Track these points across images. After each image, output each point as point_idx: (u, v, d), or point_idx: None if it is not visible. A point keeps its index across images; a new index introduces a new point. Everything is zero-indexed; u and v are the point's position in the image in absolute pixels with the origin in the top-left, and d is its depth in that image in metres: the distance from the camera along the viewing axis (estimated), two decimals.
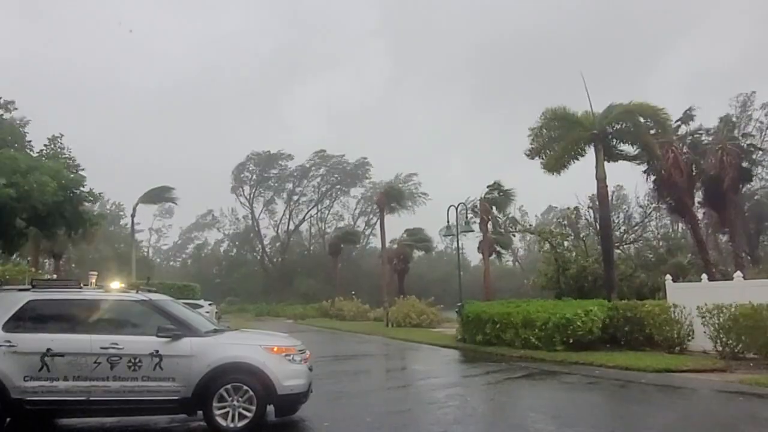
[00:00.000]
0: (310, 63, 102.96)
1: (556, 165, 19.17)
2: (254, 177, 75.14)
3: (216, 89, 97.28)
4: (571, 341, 13.54)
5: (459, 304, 18.48)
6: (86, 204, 13.11)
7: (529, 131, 19.84)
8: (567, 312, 13.83)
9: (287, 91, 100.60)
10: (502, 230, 32.86)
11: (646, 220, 32.51)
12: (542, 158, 19.71)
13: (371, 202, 74.08)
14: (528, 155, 19.97)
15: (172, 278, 47.03)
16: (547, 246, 27.59)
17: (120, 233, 57.59)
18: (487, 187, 30.26)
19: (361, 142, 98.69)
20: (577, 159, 19.36)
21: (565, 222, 31.19)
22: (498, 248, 34.77)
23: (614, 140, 19.32)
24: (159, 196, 38.14)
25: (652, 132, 19.25)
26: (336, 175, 76.10)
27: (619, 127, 18.88)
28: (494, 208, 29.31)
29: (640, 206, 30.49)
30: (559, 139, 19.14)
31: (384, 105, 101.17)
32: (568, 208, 30.09)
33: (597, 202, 23.20)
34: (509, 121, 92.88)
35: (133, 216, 38.29)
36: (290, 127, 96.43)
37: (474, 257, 78.92)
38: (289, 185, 76.49)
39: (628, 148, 19.83)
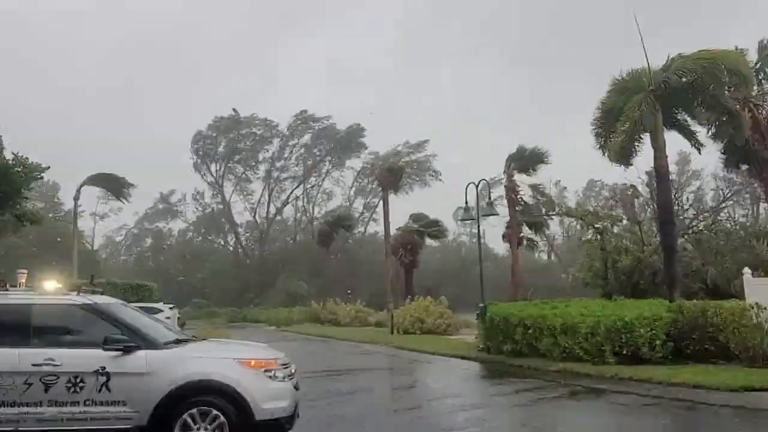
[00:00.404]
0: (307, 11, 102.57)
1: (622, 151, 18.83)
2: (221, 149, 74.73)
3: (188, 48, 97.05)
4: (624, 352, 13.46)
5: (481, 305, 18.46)
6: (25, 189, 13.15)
7: (594, 117, 19.58)
8: (626, 314, 13.72)
9: (277, 48, 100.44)
10: (534, 210, 32.74)
11: (722, 203, 32.17)
12: (606, 143, 19.48)
13: (370, 178, 73.77)
14: (600, 149, 19.77)
15: (124, 276, 47.19)
16: (591, 233, 27.46)
17: (58, 222, 57.65)
18: (510, 157, 29.99)
19: (366, 109, 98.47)
20: (643, 137, 18.98)
21: (617, 201, 30.98)
22: (529, 234, 34.63)
23: (677, 99, 19.01)
24: (110, 184, 38.32)
25: (725, 82, 18.90)
26: (323, 142, 75.50)
27: (684, 80, 18.54)
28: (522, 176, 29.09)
29: (716, 179, 30.06)
30: (621, 115, 18.78)
31: (394, 66, 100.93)
32: (625, 185, 29.82)
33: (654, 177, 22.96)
34: (544, 83, 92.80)
35: (76, 200, 38.31)
36: (281, 94, 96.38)
37: (499, 247, 79.44)
38: (266, 154, 75.71)
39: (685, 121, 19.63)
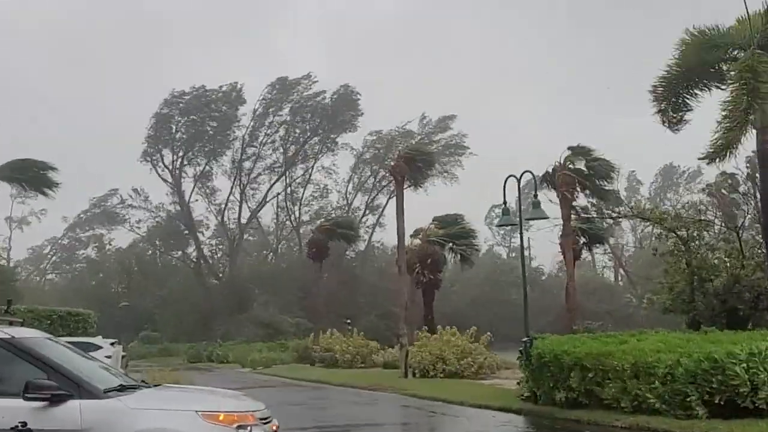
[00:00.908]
0: None
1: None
2: (180, 134, 74.16)
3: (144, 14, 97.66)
4: (717, 401, 13.39)
5: (525, 339, 18.41)
6: None
7: (656, 83, 19.62)
8: (716, 350, 13.65)
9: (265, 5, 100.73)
10: (594, 213, 32.70)
11: None
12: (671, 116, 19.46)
13: (373, 166, 73.58)
14: (664, 123, 19.82)
15: (50, 301, 47.45)
16: (672, 242, 27.32)
17: None
18: (569, 148, 30.15)
19: (377, 79, 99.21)
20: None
21: (713, 196, 30.72)
22: (586, 242, 34.56)
23: None
24: (28, 175, 38.07)
25: None
26: (306, 117, 74.89)
27: None
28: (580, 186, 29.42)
29: None
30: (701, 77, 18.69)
31: (414, 24, 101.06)
32: (723, 175, 29.53)
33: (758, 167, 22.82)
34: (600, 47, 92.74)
35: None
36: (271, 61, 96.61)
37: (547, 261, 79.14)
38: (236, 134, 74.80)
39: None
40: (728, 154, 19.17)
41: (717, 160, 19.52)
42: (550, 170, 29.70)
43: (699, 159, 19.94)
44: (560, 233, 30.91)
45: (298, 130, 75.98)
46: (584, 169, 29.83)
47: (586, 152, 30.19)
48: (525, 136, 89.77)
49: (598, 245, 37.05)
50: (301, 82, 74.18)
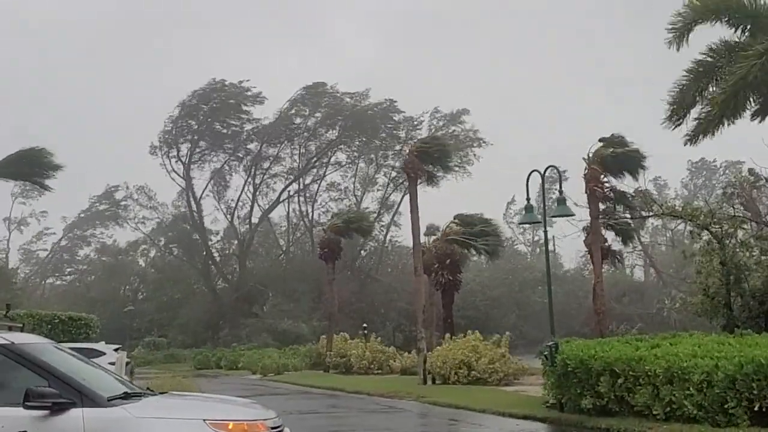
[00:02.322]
0: None
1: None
2: (199, 124, 73.66)
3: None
4: (758, 408, 13.27)
5: (549, 343, 18.34)
6: None
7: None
8: (757, 354, 13.50)
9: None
10: (623, 211, 32.59)
11: None
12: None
13: (385, 162, 73.47)
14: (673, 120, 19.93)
15: (52, 306, 47.81)
16: (706, 240, 27.12)
17: None
18: (600, 140, 30.09)
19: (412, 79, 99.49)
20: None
21: (736, 194, 30.59)
22: (616, 241, 34.47)
23: None
24: (24, 166, 38.07)
25: None
26: (336, 124, 74.82)
27: None
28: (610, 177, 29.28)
29: None
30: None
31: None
32: (748, 171, 29.41)
33: None
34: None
35: None
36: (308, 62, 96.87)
37: (570, 261, 78.78)
38: (252, 131, 74.81)
39: None
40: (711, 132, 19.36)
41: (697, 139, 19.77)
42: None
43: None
44: (587, 231, 30.76)
45: (322, 132, 76.11)
46: (613, 153, 29.77)
47: (616, 140, 30.03)
48: (551, 132, 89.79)
49: (629, 241, 36.76)
50: (341, 93, 74.27)
